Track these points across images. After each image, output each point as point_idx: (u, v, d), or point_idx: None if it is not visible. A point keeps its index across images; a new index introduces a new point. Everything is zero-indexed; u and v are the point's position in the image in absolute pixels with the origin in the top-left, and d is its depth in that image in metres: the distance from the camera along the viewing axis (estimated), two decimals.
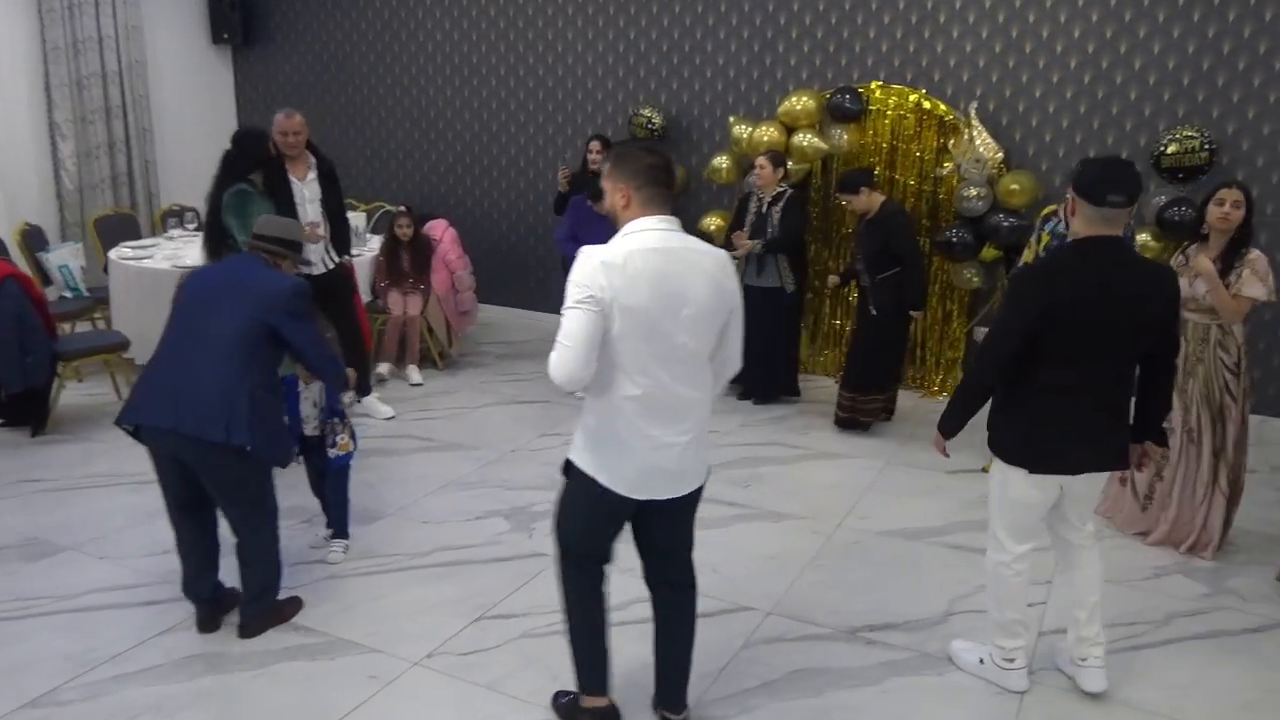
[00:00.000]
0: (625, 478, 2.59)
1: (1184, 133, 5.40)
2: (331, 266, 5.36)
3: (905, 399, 5.97)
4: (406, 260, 6.49)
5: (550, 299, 6.79)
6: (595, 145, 6.18)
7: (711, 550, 4.10)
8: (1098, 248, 2.80)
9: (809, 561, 4.06)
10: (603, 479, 2.61)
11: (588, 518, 2.74)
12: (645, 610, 3.02)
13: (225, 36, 8.49)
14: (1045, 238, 4.80)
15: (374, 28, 8.05)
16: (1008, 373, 2.90)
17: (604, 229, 5.80)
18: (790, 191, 5.70)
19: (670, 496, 2.66)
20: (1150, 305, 2.84)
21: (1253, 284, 3.91)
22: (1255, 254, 3.94)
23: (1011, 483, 3.02)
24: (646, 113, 6.77)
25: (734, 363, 2.71)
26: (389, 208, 7.89)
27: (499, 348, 7.22)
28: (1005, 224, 5.74)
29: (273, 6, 8.46)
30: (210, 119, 8.55)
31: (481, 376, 6.52)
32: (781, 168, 5.64)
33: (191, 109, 8.45)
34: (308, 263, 3.60)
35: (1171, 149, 5.39)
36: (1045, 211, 4.92)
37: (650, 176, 2.55)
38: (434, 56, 7.86)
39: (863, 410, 5.56)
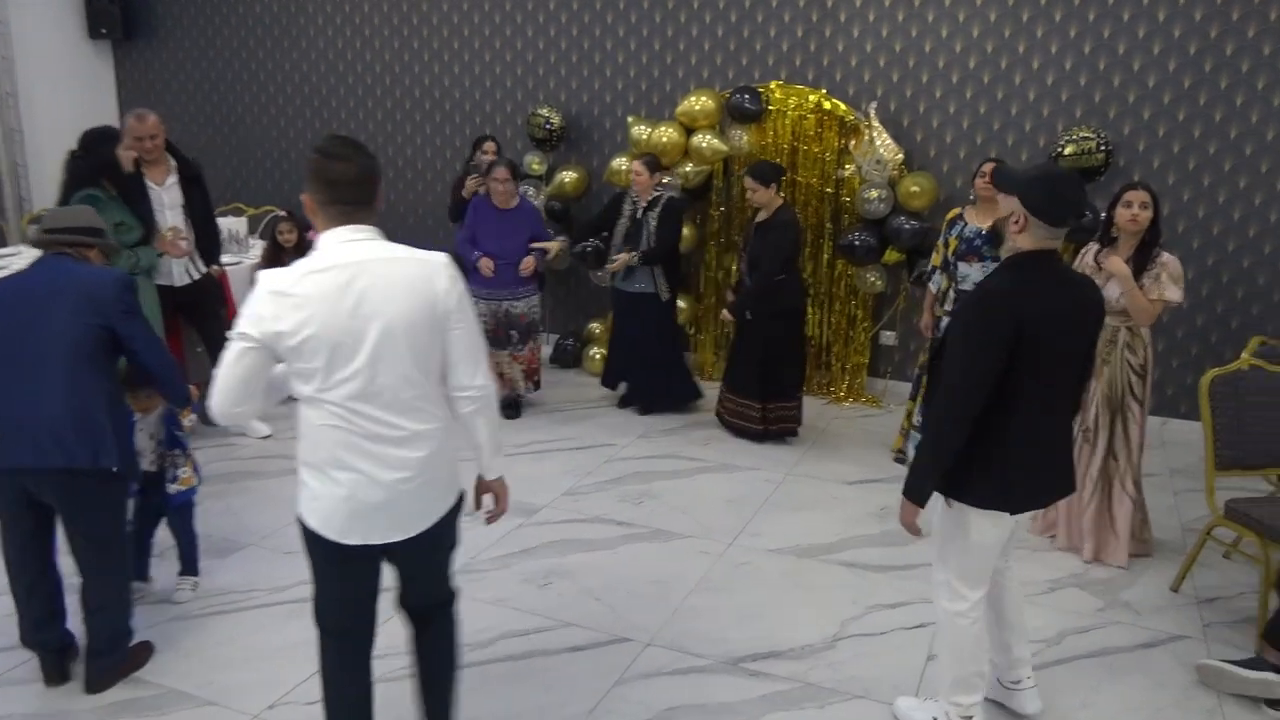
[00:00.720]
0: (332, 521, 2.29)
1: (1081, 133, 5.34)
2: (197, 277, 5.03)
3: (811, 406, 5.82)
4: None
5: None
6: (490, 146, 5.94)
7: (594, 576, 3.89)
8: (1047, 263, 2.59)
9: (695, 585, 3.85)
10: (312, 522, 2.33)
11: (319, 575, 2.43)
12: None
13: (104, 31, 8.02)
14: (953, 242, 4.69)
15: (262, 23, 7.67)
16: (977, 418, 2.57)
17: (509, 231, 5.68)
18: (668, 197, 5.49)
19: (389, 540, 2.33)
20: (1094, 318, 2.70)
21: (1170, 287, 3.85)
22: (1168, 257, 3.90)
23: (974, 526, 2.69)
24: (544, 112, 6.53)
25: (474, 379, 2.37)
26: (279, 212, 7.52)
27: None
28: (907, 226, 5.63)
29: (154, 0, 8.01)
30: (90, 118, 8.01)
31: None
32: (658, 172, 5.45)
33: (68, 108, 7.95)
34: (115, 249, 3.27)
35: (1069, 150, 5.32)
36: (951, 214, 4.81)
37: (335, 183, 2.23)
38: (325, 53, 7.51)
39: (785, 418, 5.38)
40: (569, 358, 6.75)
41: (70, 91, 7.98)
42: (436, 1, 7.01)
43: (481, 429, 2.49)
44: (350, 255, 2.23)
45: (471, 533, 4.29)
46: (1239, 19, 5.17)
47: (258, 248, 6.44)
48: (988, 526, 2.69)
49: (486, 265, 5.35)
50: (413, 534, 2.36)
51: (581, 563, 4.01)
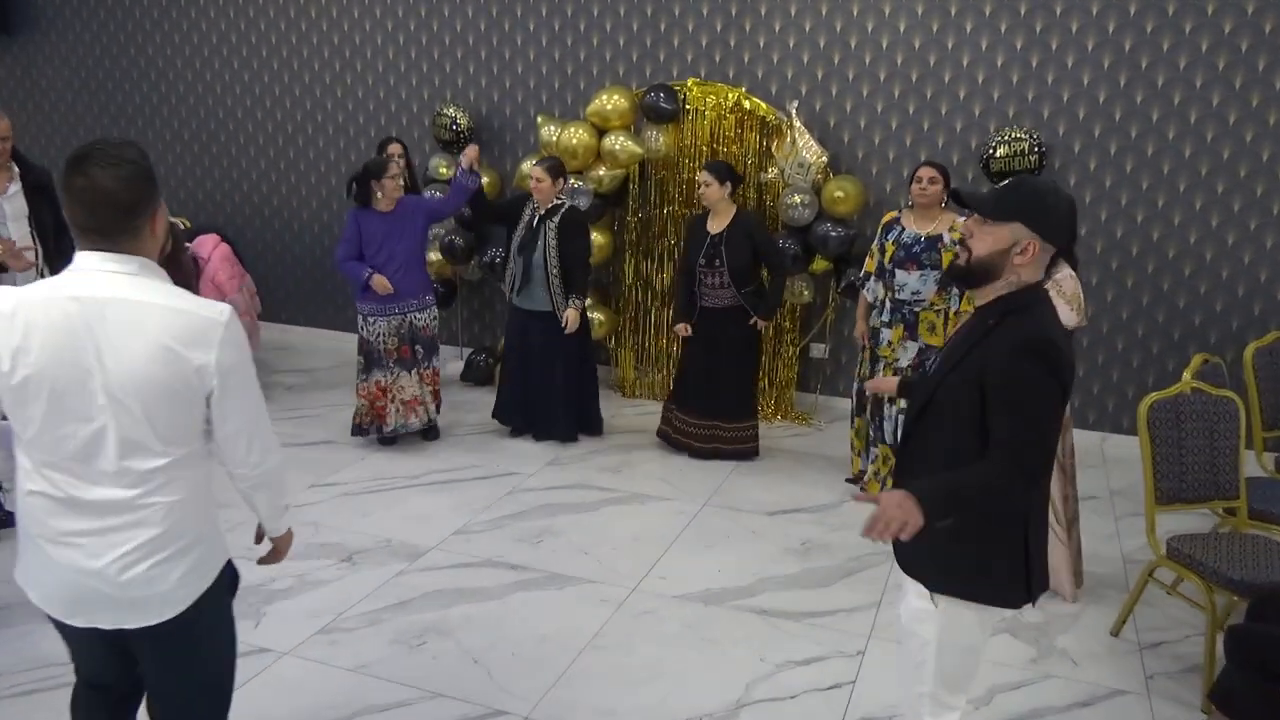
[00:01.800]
0: (53, 601, 1.96)
1: (1013, 134, 5.02)
2: None
3: None
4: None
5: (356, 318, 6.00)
6: (396, 148, 5.47)
7: (476, 633, 3.46)
8: (1049, 299, 2.17)
9: (588, 642, 3.44)
10: (33, 597, 1.99)
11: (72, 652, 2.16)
12: None
13: None
14: (890, 248, 4.36)
15: (150, 16, 7.12)
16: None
17: (396, 232, 5.19)
18: (568, 207, 5.03)
19: (120, 627, 1.96)
20: None
21: (1059, 307, 3.50)
22: (1064, 273, 3.51)
23: (978, 626, 2.20)
24: (450, 112, 6.08)
25: (249, 457, 2.00)
26: (172, 219, 6.98)
27: (292, 376, 6.42)
28: (833, 233, 5.27)
29: None
30: None
31: None
32: (561, 178, 5.00)
33: None
34: None
35: (1001, 151, 5.00)
36: (887, 218, 4.48)
37: (73, 203, 1.82)
38: (219, 49, 6.99)
39: (725, 439, 5.06)
40: (481, 374, 6.31)
41: None
42: None
43: (261, 504, 2.18)
44: (92, 289, 1.81)
45: (341, 584, 3.86)
46: (1175, 13, 4.88)
47: None
48: (991, 622, 2.22)
49: (383, 284, 4.87)
50: (150, 622, 1.96)
51: (464, 617, 3.58)
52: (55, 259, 4.53)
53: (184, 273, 5.66)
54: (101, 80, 7.42)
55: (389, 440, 5.19)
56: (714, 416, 5.02)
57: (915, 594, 2.24)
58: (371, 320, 5.01)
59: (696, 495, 4.70)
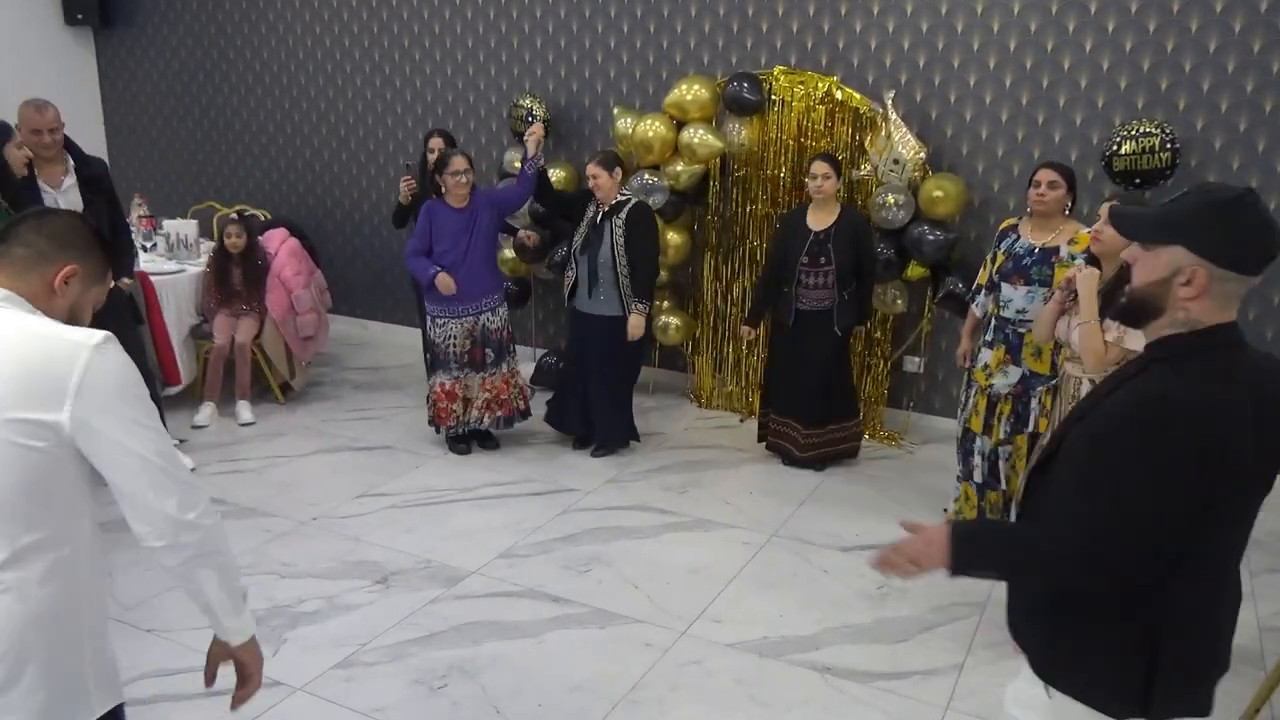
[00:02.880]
0: None
1: (1141, 128, 4.42)
2: None
3: None
4: (238, 276, 5.53)
5: None
6: (437, 141, 5.21)
7: (504, 677, 3.16)
8: (1237, 341, 1.65)
9: (624, 694, 3.09)
10: None
11: None
12: None
13: (80, 17, 7.52)
14: (1000, 257, 3.88)
15: (239, 7, 7.07)
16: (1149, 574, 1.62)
17: (470, 228, 4.94)
18: (635, 203, 4.67)
19: None
20: None
21: (1134, 330, 3.00)
22: None
23: None
24: (526, 103, 5.79)
25: (165, 511, 1.56)
26: (253, 211, 6.94)
27: (361, 375, 6.26)
28: (930, 237, 4.77)
29: None
30: (70, 109, 7.55)
31: (324, 413, 5.55)
32: (619, 169, 4.64)
33: (45, 97, 7.45)
34: None
35: (1126, 148, 4.41)
36: (1005, 224, 3.99)
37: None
38: (303, 39, 6.88)
39: (836, 441, 4.83)
40: (552, 378, 6.01)
41: (46, 81, 7.45)
42: None
43: (205, 585, 1.67)
44: None
45: (371, 610, 3.54)
46: None
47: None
48: None
49: (446, 283, 4.62)
50: None
51: (493, 657, 3.28)
52: (112, 255, 4.41)
53: (257, 268, 5.57)
54: (193, 72, 7.43)
55: (462, 445, 4.95)
56: (828, 421, 4.76)
57: (1028, 676, 1.79)
58: (441, 322, 4.76)
59: (765, 524, 4.29)
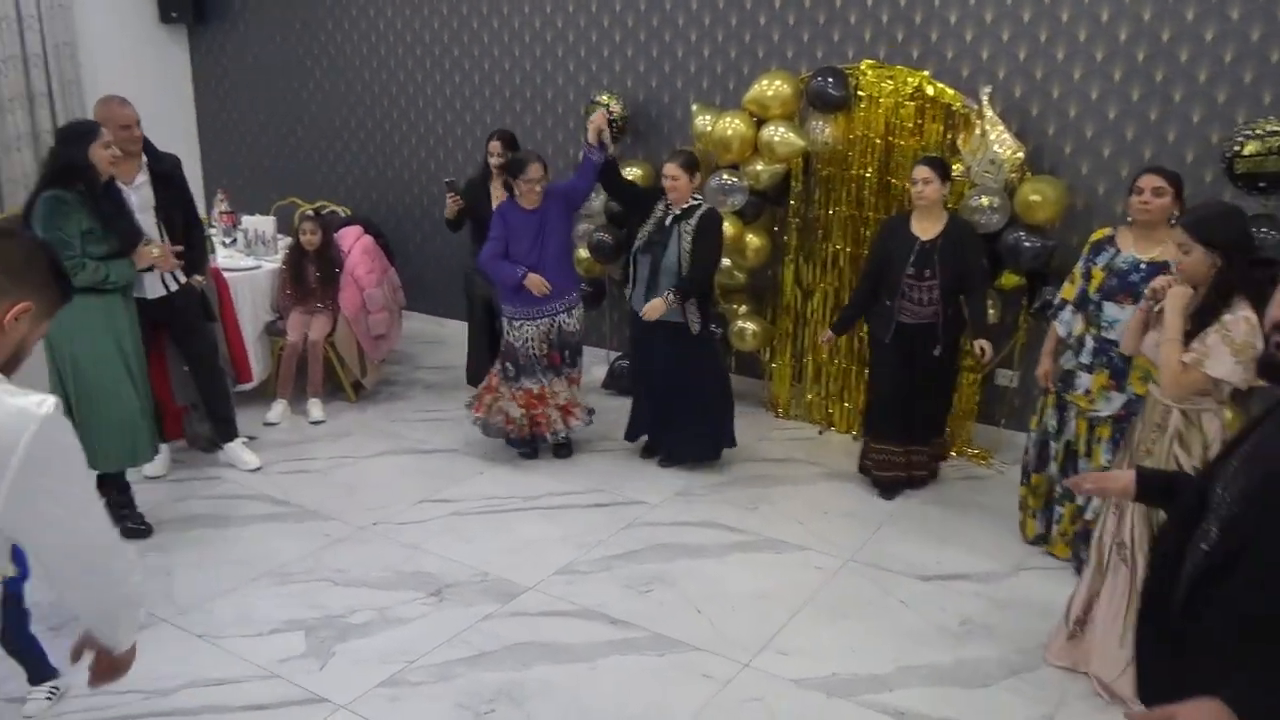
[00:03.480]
0: None
1: (1268, 126, 4.01)
2: (174, 288, 4.39)
3: None
4: (313, 274, 5.51)
5: None
6: (496, 145, 5.09)
7: (551, 706, 3.01)
8: None
9: None
10: None
11: None
12: None
13: (174, 15, 7.65)
14: (1099, 274, 3.55)
15: (324, 3, 7.09)
16: None
17: (544, 228, 4.80)
18: (706, 209, 4.44)
19: None
20: None
21: (1216, 355, 2.67)
22: (1240, 315, 2.71)
23: None
24: (603, 100, 5.62)
25: (75, 581, 1.57)
26: (334, 208, 6.96)
27: (433, 374, 6.20)
28: (1027, 244, 4.45)
29: None
30: (164, 105, 7.74)
31: (393, 413, 5.50)
32: (697, 173, 4.43)
33: (139, 94, 7.56)
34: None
35: (1250, 149, 4.01)
36: (1097, 235, 3.68)
37: None
38: (385, 36, 6.85)
39: (916, 464, 4.54)
40: (625, 383, 5.85)
41: (141, 78, 7.61)
42: None
43: (101, 630, 1.71)
44: None
45: (423, 624, 3.39)
46: None
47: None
48: None
49: (538, 283, 4.50)
50: None
51: (543, 682, 3.13)
52: (184, 251, 4.40)
53: (332, 266, 5.55)
54: (280, 68, 7.48)
55: (528, 449, 4.83)
56: (910, 440, 4.47)
57: None
58: (518, 325, 4.64)
59: (840, 546, 4.04)
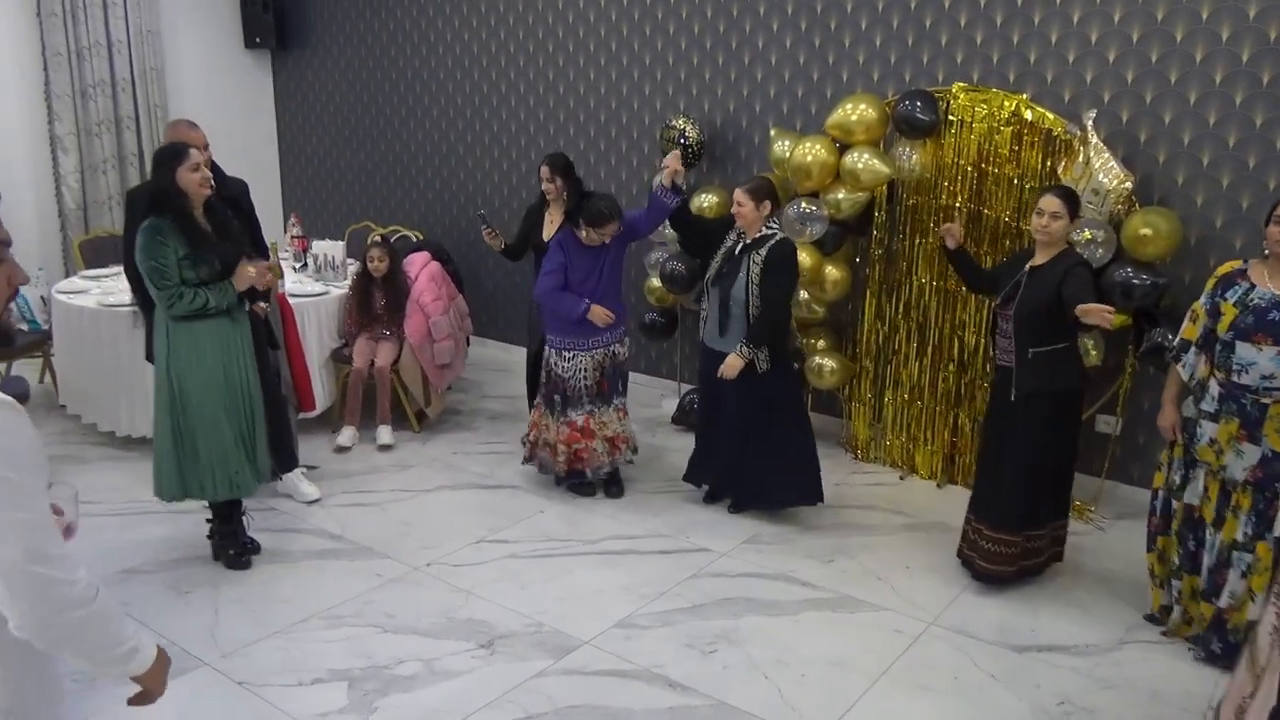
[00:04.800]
0: None
1: None
2: None
3: None
4: (380, 300, 5.42)
5: None
6: (545, 170, 4.90)
7: None
8: None
9: None
10: None
11: None
12: None
13: (258, 40, 7.74)
14: (1230, 310, 3.19)
15: (403, 27, 7.07)
16: None
17: (603, 259, 4.57)
18: (778, 239, 4.16)
19: None
20: None
21: None
22: None
23: None
24: (679, 124, 5.42)
25: (7, 610, 1.47)
26: (406, 232, 6.89)
27: (498, 403, 6.04)
28: (1136, 280, 4.08)
29: (307, 9, 7.63)
30: (246, 128, 7.85)
31: (456, 444, 5.35)
32: (768, 201, 4.16)
33: (223, 118, 7.70)
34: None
35: None
36: (1224, 270, 3.32)
37: None
38: (461, 60, 6.79)
39: (1028, 552, 3.79)
40: (693, 418, 5.60)
41: (226, 103, 7.73)
42: (579, 2, 6.11)
43: (73, 660, 1.59)
44: None
45: (470, 679, 3.18)
46: None
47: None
48: None
49: (602, 315, 4.35)
50: None
51: None
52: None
53: (399, 292, 5.45)
54: (358, 92, 7.49)
55: (588, 488, 4.63)
56: (1023, 525, 3.73)
57: None
58: (569, 355, 4.46)
59: (923, 609, 3.72)
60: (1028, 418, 3.65)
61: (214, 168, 4.27)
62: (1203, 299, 3.34)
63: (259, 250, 4.42)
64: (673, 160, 4.28)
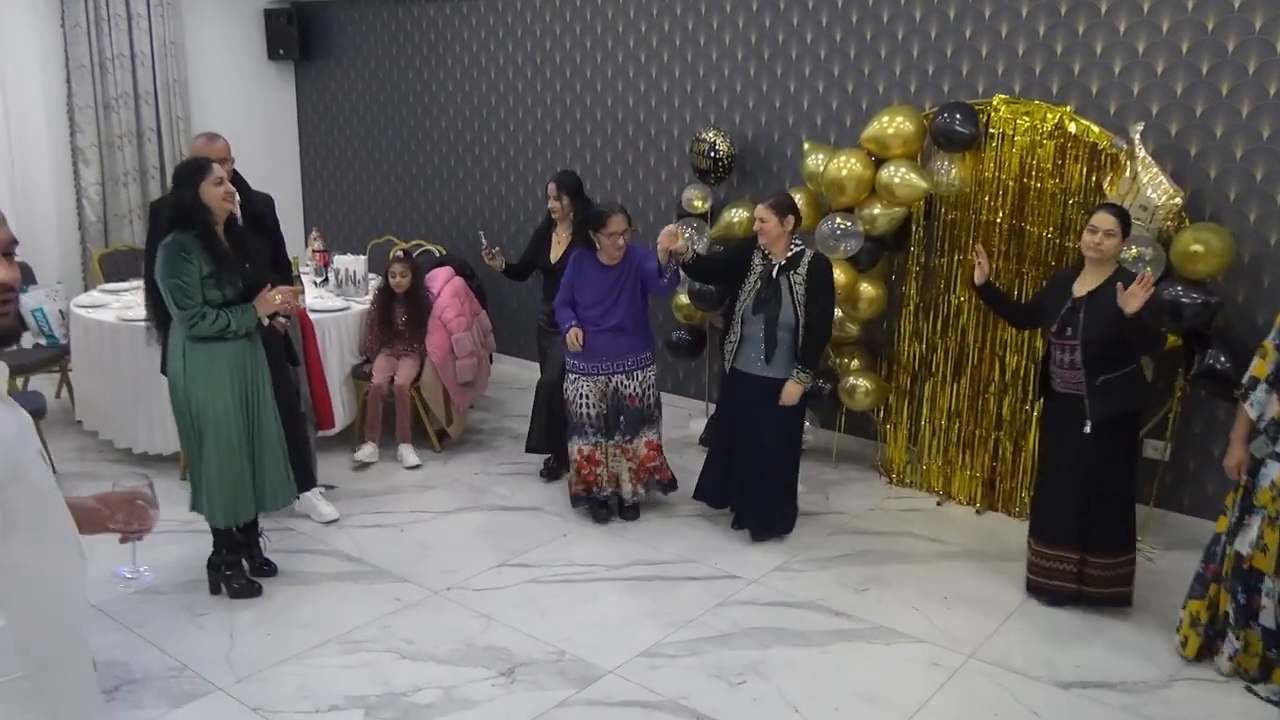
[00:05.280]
0: None
1: None
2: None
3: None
4: (401, 316, 5.31)
5: None
6: (551, 188, 4.79)
7: None
8: None
9: None
10: None
11: None
12: None
13: (282, 52, 7.71)
14: None
15: (428, 39, 7.01)
16: None
17: (614, 283, 4.33)
18: (815, 255, 4.04)
19: None
20: None
21: None
22: None
23: None
24: (709, 137, 5.30)
25: None
26: (429, 247, 6.81)
27: (520, 423, 5.83)
28: (1186, 300, 3.91)
29: (330, 22, 7.59)
30: (269, 140, 7.81)
31: (478, 464, 5.23)
32: (792, 216, 4.02)
33: (246, 130, 7.65)
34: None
35: None
36: None
37: None
38: (487, 71, 6.71)
39: (1109, 580, 3.70)
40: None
41: (249, 115, 7.69)
42: (607, 13, 6.00)
43: None
44: None
45: (490, 708, 3.06)
46: None
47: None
48: None
49: (573, 339, 4.25)
50: None
51: None
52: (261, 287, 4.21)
53: (421, 308, 5.35)
54: (381, 105, 7.43)
55: (602, 511, 4.50)
56: (1087, 546, 3.68)
57: None
58: (573, 378, 4.35)
59: (961, 640, 3.55)
60: (1103, 442, 3.57)
61: (239, 182, 4.19)
62: (1272, 336, 3.18)
63: (280, 268, 4.33)
64: (665, 239, 4.04)
